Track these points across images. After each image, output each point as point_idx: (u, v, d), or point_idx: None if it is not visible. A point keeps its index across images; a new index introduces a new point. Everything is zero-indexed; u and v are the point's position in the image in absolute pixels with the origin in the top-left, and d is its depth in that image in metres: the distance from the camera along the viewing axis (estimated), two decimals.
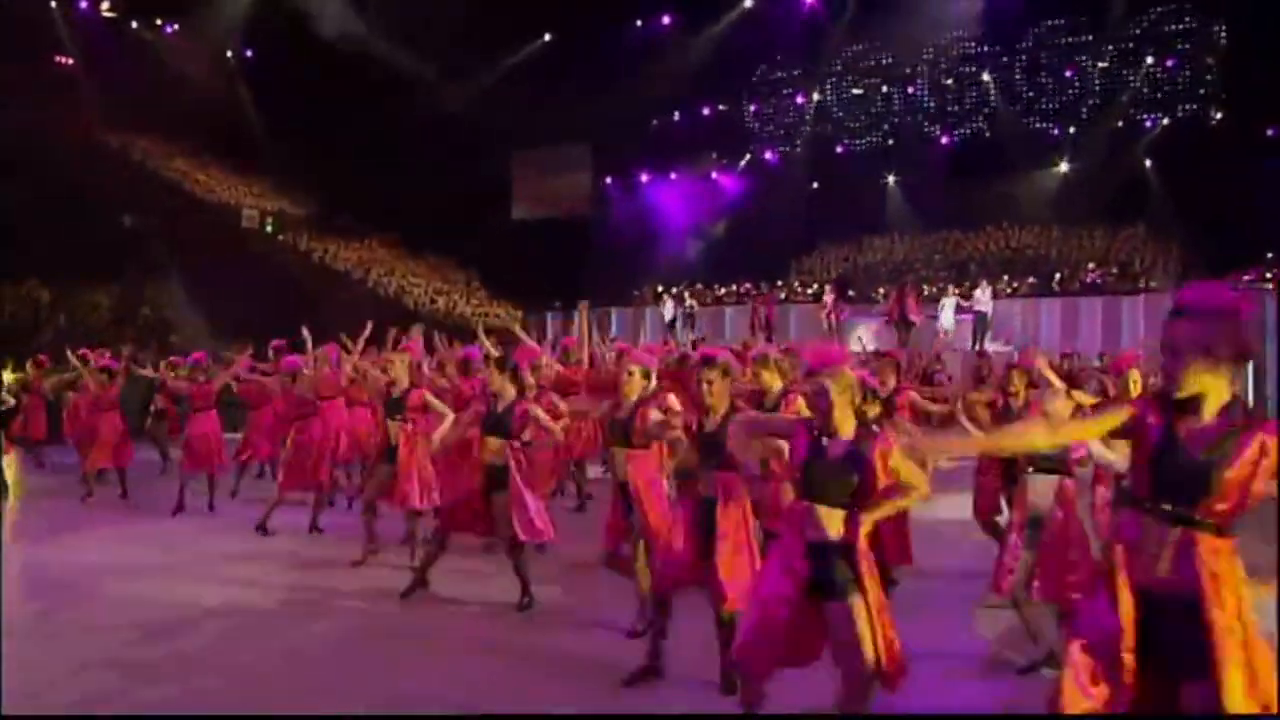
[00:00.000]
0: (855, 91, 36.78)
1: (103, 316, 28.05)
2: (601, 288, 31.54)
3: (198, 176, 36.37)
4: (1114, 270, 28.70)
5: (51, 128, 31.49)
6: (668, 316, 29.29)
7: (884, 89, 36.22)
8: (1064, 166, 33.60)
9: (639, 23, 35.38)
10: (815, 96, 37.29)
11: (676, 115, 37.91)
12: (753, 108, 38.39)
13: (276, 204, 37.36)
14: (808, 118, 37.43)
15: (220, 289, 28.43)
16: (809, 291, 30.72)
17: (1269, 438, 3.56)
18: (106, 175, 32.34)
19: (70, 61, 35.25)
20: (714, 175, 37.78)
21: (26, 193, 28.65)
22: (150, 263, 29.55)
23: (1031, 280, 28.96)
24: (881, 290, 29.14)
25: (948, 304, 25.89)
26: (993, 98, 34.63)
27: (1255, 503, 3.58)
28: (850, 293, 30.04)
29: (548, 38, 36.68)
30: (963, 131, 35.25)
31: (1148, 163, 32.02)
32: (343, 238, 36.62)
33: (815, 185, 35.97)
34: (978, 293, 25.72)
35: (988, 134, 34.66)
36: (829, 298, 27.06)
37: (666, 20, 35.53)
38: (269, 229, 35.66)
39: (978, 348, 22.67)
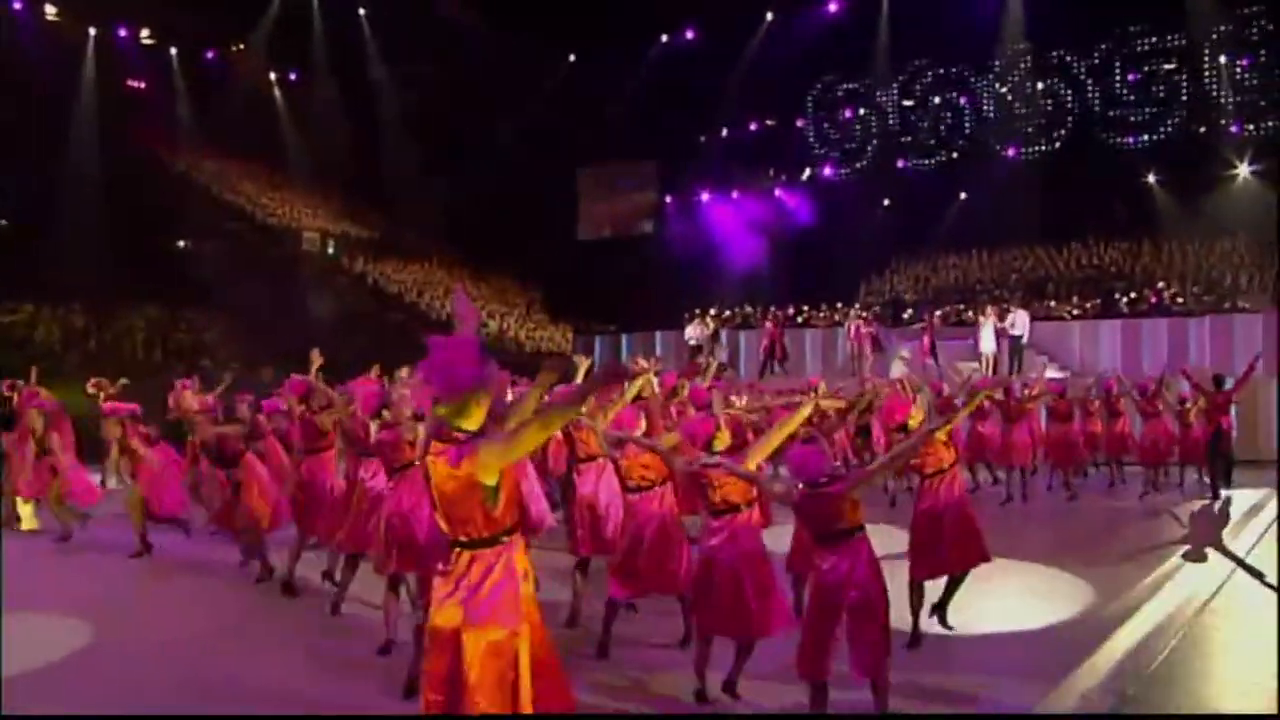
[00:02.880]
0: (906, 103, 36.07)
1: (135, 340, 28.98)
2: (658, 310, 31.79)
3: (263, 200, 37.42)
4: (1194, 288, 27.35)
5: (118, 152, 32.85)
6: (691, 341, 28.42)
7: (935, 100, 35.55)
8: (1151, 178, 32.21)
9: (664, 38, 35.75)
10: (862, 110, 36.87)
11: (725, 132, 37.78)
12: (800, 123, 37.82)
13: (341, 226, 38.30)
14: (859, 131, 37.07)
15: (265, 312, 29.09)
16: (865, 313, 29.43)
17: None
18: (170, 198, 33.64)
19: (141, 85, 36.68)
20: (777, 193, 37.43)
21: (89, 216, 30.01)
22: (197, 285, 30.27)
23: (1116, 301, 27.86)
24: (940, 312, 28.34)
25: (987, 326, 25.04)
26: (1068, 105, 33.71)
27: None
28: (906, 315, 29.58)
29: (572, 59, 37.56)
30: (1037, 143, 34.28)
31: (1244, 171, 30.70)
32: (404, 259, 37.21)
33: (887, 203, 35.40)
34: (1011, 315, 24.96)
35: (1057, 145, 33.83)
36: (853, 324, 26.41)
37: (690, 35, 35.71)
38: (330, 251, 36.54)
39: (1017, 375, 22.16)
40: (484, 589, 4.17)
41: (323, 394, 10.17)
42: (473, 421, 4.18)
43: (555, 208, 38.38)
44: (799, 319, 30.30)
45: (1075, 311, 27.39)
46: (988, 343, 24.62)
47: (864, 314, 27.89)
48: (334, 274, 35.41)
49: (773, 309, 30.18)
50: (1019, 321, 24.78)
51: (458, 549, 4.21)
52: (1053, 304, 28.02)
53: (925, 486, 8.20)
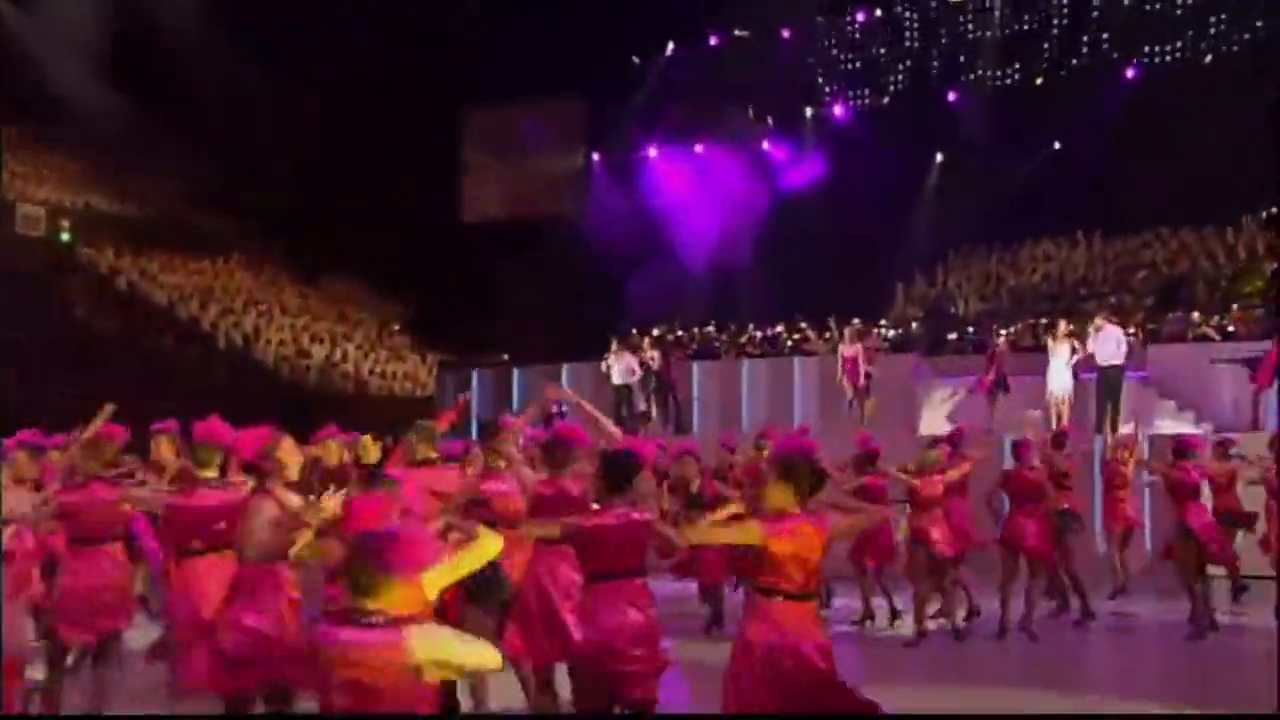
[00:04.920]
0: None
1: None
2: (575, 329, 26.58)
3: None
4: None
5: None
6: (616, 378, 22.10)
7: None
8: None
9: None
10: (886, 9, 29.89)
11: (671, 48, 30.05)
12: (788, 33, 29.96)
13: (82, 198, 31.67)
14: (886, 46, 30.40)
15: None
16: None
17: None
18: None
19: None
20: (765, 145, 29.54)
21: None
22: None
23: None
24: (1007, 333, 22.33)
25: (1057, 356, 19.39)
26: None
27: None
28: (954, 335, 23.75)
29: None
30: (1172, 54, 27.45)
31: None
32: (183, 253, 31.41)
33: (939, 159, 28.71)
34: (1094, 337, 19.05)
35: (1207, 60, 26.62)
36: (848, 350, 21.01)
37: None
38: (64, 237, 30.03)
39: (1108, 430, 17.31)
40: None
41: None
42: None
43: (429, 176, 31.26)
44: (790, 340, 24.49)
45: (1230, 328, 21.41)
46: (1057, 380, 19.25)
47: (876, 329, 22.95)
48: (67, 271, 29.60)
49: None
50: (1109, 341, 18.89)
51: None
52: (1195, 316, 21.77)
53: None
